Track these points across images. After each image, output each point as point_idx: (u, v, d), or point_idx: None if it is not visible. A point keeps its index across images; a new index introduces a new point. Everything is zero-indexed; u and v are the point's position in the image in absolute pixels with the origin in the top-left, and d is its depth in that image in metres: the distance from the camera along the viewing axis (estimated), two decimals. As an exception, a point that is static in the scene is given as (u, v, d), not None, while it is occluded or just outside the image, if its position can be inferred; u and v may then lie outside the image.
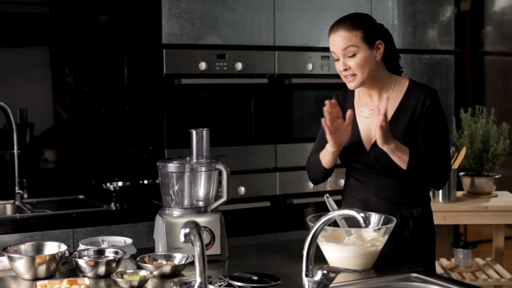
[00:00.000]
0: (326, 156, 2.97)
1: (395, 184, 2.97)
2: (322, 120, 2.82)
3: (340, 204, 3.09)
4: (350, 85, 2.93)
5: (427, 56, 5.32)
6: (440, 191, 4.56)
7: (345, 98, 3.11)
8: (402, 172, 2.89)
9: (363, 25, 2.90)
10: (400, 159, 2.84)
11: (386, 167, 2.92)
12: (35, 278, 2.53)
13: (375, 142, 2.89)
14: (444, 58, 5.40)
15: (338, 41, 2.88)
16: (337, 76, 4.83)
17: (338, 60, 2.91)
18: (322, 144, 3.02)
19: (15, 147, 4.21)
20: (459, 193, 4.77)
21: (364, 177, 3.03)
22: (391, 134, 2.81)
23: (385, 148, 2.81)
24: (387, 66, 3.03)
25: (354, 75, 2.90)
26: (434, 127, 2.92)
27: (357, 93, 3.08)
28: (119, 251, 2.68)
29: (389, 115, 2.93)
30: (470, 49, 6.26)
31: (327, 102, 2.80)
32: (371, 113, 2.99)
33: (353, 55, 2.87)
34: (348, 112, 2.85)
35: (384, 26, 3.06)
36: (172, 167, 2.85)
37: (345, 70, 2.90)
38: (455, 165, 4.59)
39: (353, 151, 3.00)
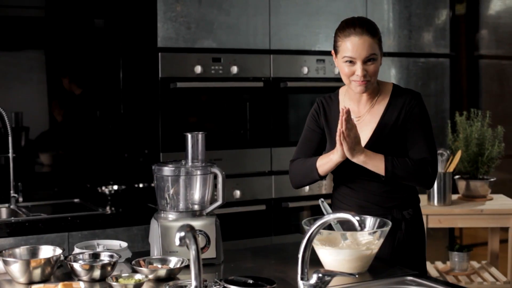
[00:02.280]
0: (328, 165, 2.94)
1: (385, 188, 2.98)
2: (340, 133, 2.75)
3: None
4: (360, 89, 2.91)
5: (422, 60, 5.33)
6: (436, 194, 4.56)
7: (329, 104, 3.11)
8: (393, 183, 2.94)
9: (378, 31, 2.92)
10: (376, 168, 2.86)
11: (375, 172, 2.91)
12: (30, 282, 2.53)
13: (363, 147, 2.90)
14: (439, 62, 5.41)
15: (363, 47, 2.85)
16: (332, 79, 4.87)
17: (352, 62, 2.88)
18: (307, 149, 3.04)
19: (10, 150, 4.20)
20: (454, 197, 4.78)
21: (354, 183, 3.03)
22: (380, 139, 2.87)
23: (355, 160, 2.82)
24: None
25: (367, 81, 2.89)
26: (420, 129, 2.95)
27: (341, 99, 3.08)
28: (114, 254, 2.67)
29: (376, 120, 2.97)
30: (465, 53, 6.26)
31: (343, 110, 2.75)
32: (358, 119, 3.00)
33: (373, 62, 2.88)
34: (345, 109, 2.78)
35: (380, 30, 3.07)
36: (167, 170, 2.85)
37: (364, 76, 2.87)
38: (450, 169, 4.60)
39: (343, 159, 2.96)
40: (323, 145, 3.10)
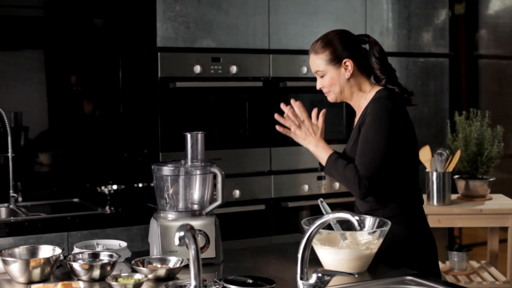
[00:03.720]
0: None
1: (367, 206, 2.99)
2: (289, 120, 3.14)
3: (334, 208, 3.09)
4: (329, 99, 3.12)
5: (422, 59, 5.33)
6: (435, 194, 4.57)
7: None
8: (381, 193, 2.95)
9: (327, 47, 3.03)
10: (322, 162, 3.06)
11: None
12: (30, 282, 2.53)
13: (345, 154, 3.04)
14: (438, 61, 5.41)
15: (312, 64, 3.09)
16: (331, 79, 4.85)
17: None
18: None
19: (10, 150, 4.20)
20: (454, 196, 4.78)
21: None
22: (355, 146, 2.96)
23: (308, 148, 3.09)
24: (376, 77, 3.10)
25: (328, 91, 3.08)
26: (365, 134, 2.93)
27: None
28: (114, 254, 2.67)
29: (357, 129, 3.01)
30: (464, 52, 6.26)
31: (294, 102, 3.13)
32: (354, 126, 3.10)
33: (323, 76, 3.06)
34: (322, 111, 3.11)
35: (370, 36, 3.12)
36: (167, 170, 2.85)
37: (321, 88, 3.10)
38: (450, 168, 4.60)
39: None
40: None
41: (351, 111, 5.00)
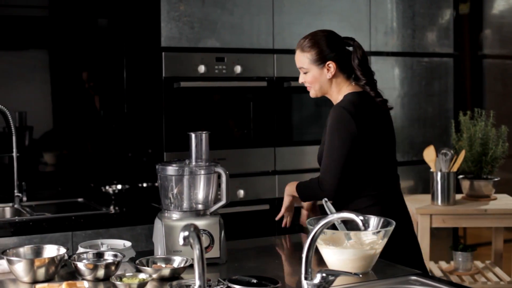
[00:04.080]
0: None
1: (340, 199, 3.09)
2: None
3: (338, 208, 3.09)
4: (310, 94, 3.21)
5: (426, 59, 5.32)
6: (439, 194, 4.56)
7: None
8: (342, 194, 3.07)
9: (314, 47, 3.14)
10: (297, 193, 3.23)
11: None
12: (34, 281, 2.53)
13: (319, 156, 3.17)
14: (443, 61, 5.41)
15: (296, 60, 3.20)
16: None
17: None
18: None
19: (14, 150, 4.21)
20: (458, 196, 4.77)
21: None
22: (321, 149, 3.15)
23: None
24: (356, 78, 3.17)
25: (310, 87, 3.19)
26: (326, 141, 3.08)
27: None
28: (118, 254, 2.67)
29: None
30: (469, 52, 6.25)
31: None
32: None
33: (306, 73, 3.17)
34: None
35: (355, 40, 3.17)
36: (171, 170, 2.85)
37: (303, 82, 3.21)
38: (454, 168, 4.59)
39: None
40: None
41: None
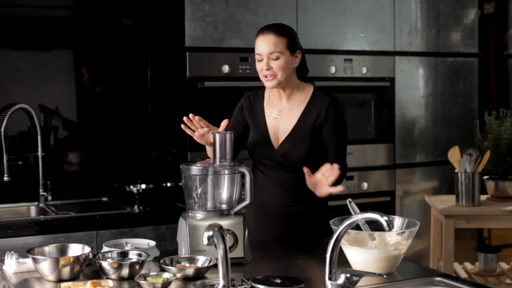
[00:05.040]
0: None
1: (298, 179, 3.23)
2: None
3: (362, 208, 3.08)
4: (269, 84, 3.24)
5: (451, 59, 5.30)
6: (464, 195, 4.53)
7: (255, 99, 3.41)
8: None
9: (288, 34, 3.22)
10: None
11: (291, 163, 3.25)
12: (59, 280, 2.54)
13: (283, 141, 3.26)
14: (467, 61, 5.38)
15: (267, 44, 3.18)
16: (360, 79, 4.87)
17: (261, 60, 3.21)
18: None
19: (39, 149, 4.24)
20: (483, 197, 4.74)
21: (271, 172, 3.33)
22: (298, 134, 3.23)
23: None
24: (298, 76, 3.35)
25: (274, 75, 3.20)
26: (335, 135, 3.25)
27: (267, 96, 3.39)
28: (143, 253, 2.68)
29: (296, 117, 3.28)
30: (494, 52, 6.22)
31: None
32: (279, 114, 3.32)
33: (277, 59, 3.18)
34: (223, 122, 3.12)
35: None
36: (195, 170, 2.85)
37: (268, 70, 3.19)
38: (479, 169, 4.56)
39: (262, 149, 3.31)
40: (245, 136, 3.42)
41: (379, 111, 4.99)
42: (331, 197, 4.76)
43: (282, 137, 3.28)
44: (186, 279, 2.56)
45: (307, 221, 3.34)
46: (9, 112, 4.08)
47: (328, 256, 2.21)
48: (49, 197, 4.35)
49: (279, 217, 3.32)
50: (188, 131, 3.14)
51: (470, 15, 5.37)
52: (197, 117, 3.11)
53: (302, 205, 3.32)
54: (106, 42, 4.87)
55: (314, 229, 3.35)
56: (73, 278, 2.57)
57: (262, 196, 3.35)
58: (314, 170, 3.14)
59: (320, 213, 3.38)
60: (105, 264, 2.56)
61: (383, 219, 2.18)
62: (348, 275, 2.18)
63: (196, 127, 3.13)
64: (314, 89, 3.34)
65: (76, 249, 2.72)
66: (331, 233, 3.16)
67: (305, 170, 3.07)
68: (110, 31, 4.89)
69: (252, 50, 4.53)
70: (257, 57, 3.23)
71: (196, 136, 3.14)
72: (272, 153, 3.28)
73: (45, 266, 2.54)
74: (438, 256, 4.86)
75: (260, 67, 3.21)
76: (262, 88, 3.41)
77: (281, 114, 3.31)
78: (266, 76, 3.21)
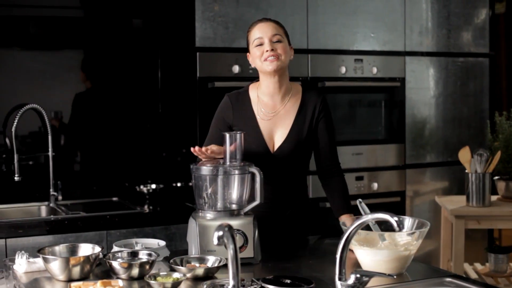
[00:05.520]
0: None
1: (290, 180, 3.26)
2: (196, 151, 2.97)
3: (372, 209, 3.08)
4: (271, 66, 3.13)
5: (461, 59, 5.28)
6: (474, 195, 4.52)
7: (241, 100, 3.29)
8: (297, 176, 3.28)
9: (283, 26, 3.24)
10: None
11: (287, 165, 3.21)
12: (69, 279, 2.55)
13: (280, 145, 3.19)
14: (478, 61, 5.36)
15: (268, 28, 3.16)
16: (370, 79, 4.86)
17: (261, 44, 3.15)
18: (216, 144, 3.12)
19: (50, 149, 4.25)
20: (494, 198, 4.73)
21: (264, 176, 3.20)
22: (296, 137, 3.19)
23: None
24: None
25: (277, 56, 3.13)
26: (329, 133, 3.26)
27: (254, 96, 3.28)
28: (153, 253, 2.69)
29: (292, 116, 3.22)
30: (505, 52, 6.20)
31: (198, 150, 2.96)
32: (273, 114, 3.22)
33: (279, 41, 3.15)
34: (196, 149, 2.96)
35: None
36: (205, 170, 2.85)
37: (272, 50, 3.13)
38: (490, 169, 4.55)
39: (257, 153, 3.19)
40: None
41: (390, 111, 4.98)
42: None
43: (279, 141, 3.21)
44: (196, 279, 2.56)
45: (300, 222, 3.32)
46: (20, 112, 4.09)
47: (338, 256, 2.20)
48: (60, 197, 4.36)
49: (271, 223, 3.21)
50: (197, 154, 2.99)
51: (481, 15, 5.36)
52: (209, 151, 2.97)
53: (295, 208, 3.29)
54: (116, 42, 4.87)
55: (306, 229, 3.36)
56: (83, 277, 2.58)
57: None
58: (302, 166, 3.23)
59: (311, 213, 3.40)
60: (115, 264, 2.56)
61: (393, 220, 2.18)
62: (358, 275, 2.18)
63: (206, 158, 3.00)
64: (303, 88, 3.31)
65: (86, 249, 2.72)
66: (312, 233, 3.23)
67: None
68: (120, 31, 4.89)
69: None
70: (256, 42, 3.17)
71: (203, 158, 3.01)
72: (267, 157, 3.18)
73: (56, 266, 2.55)
74: (448, 257, 4.85)
75: (261, 50, 3.15)
76: (242, 89, 3.35)
77: (275, 114, 3.22)
78: (268, 59, 3.13)
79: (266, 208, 3.14)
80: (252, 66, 3.24)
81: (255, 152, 3.17)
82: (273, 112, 3.22)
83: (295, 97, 3.25)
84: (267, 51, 3.13)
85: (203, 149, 2.94)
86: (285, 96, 3.23)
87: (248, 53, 3.27)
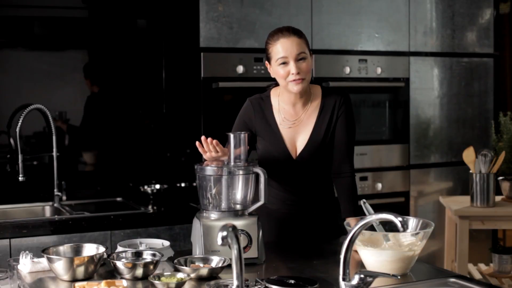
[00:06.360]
0: None
1: (312, 183, 3.23)
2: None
3: (376, 209, 3.08)
4: (297, 88, 3.06)
5: (466, 59, 5.28)
6: (479, 196, 4.51)
7: (263, 106, 3.25)
8: (322, 177, 3.24)
9: (304, 35, 3.11)
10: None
11: (309, 170, 3.19)
12: (74, 279, 2.55)
13: (302, 151, 3.17)
14: (483, 62, 5.36)
15: (292, 45, 3.03)
16: (374, 79, 4.86)
17: (286, 63, 3.04)
18: None
19: (54, 149, 4.25)
20: (498, 198, 4.72)
21: (285, 181, 3.24)
22: (317, 141, 3.16)
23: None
24: None
25: (302, 79, 3.05)
26: (345, 130, 3.19)
27: (275, 103, 3.23)
28: (157, 253, 2.69)
29: (312, 122, 3.19)
30: (509, 52, 6.19)
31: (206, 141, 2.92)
32: (295, 123, 3.19)
33: (303, 60, 3.05)
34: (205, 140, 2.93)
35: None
36: (209, 170, 2.85)
37: (298, 73, 3.03)
38: (494, 170, 4.54)
39: (280, 160, 3.19)
40: (251, 146, 3.26)
41: (394, 111, 4.98)
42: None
43: (300, 147, 3.18)
44: (200, 279, 2.56)
45: (326, 222, 3.32)
46: (24, 112, 4.10)
47: (342, 256, 2.21)
48: (64, 197, 4.37)
49: (293, 223, 3.28)
50: (200, 149, 2.95)
51: (485, 15, 5.35)
52: (215, 141, 2.91)
53: (316, 209, 3.28)
54: (121, 43, 4.88)
55: (327, 230, 3.33)
56: (88, 277, 2.58)
57: (276, 205, 3.26)
58: (326, 167, 3.18)
59: (333, 213, 3.34)
60: (120, 264, 2.57)
61: (397, 220, 2.18)
62: (362, 275, 2.18)
63: (210, 150, 2.92)
64: (322, 90, 3.24)
65: (90, 249, 2.73)
66: (341, 232, 3.19)
67: None
68: (125, 31, 4.90)
69: (266, 51, 4.55)
70: (279, 60, 3.04)
71: (207, 157, 2.94)
72: (290, 163, 3.18)
73: (60, 266, 2.55)
74: (452, 257, 4.85)
75: (286, 70, 3.04)
76: (264, 93, 3.29)
77: (297, 122, 3.20)
78: (294, 80, 3.04)
79: (292, 209, 3.23)
80: (273, 76, 3.15)
81: (277, 158, 3.18)
82: (295, 119, 3.20)
83: (315, 101, 3.20)
84: (292, 74, 3.03)
85: (209, 139, 2.90)
86: (306, 102, 3.20)
87: (266, 62, 3.16)
